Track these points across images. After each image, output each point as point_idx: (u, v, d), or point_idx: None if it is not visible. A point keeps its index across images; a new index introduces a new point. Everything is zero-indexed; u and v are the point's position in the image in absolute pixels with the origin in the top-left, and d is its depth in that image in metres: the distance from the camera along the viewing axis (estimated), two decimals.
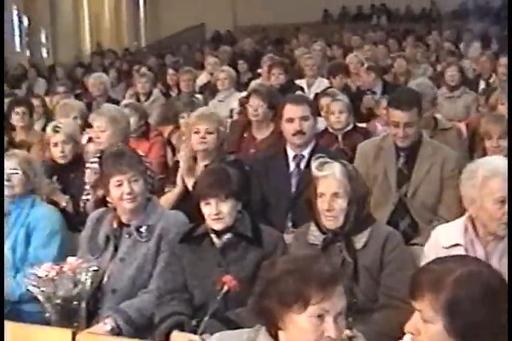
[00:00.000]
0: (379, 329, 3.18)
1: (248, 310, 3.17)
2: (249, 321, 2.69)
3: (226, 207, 3.47)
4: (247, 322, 2.93)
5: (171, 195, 4.67)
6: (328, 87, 8.09)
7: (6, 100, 7.78)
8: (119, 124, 5.12)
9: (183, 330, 3.34)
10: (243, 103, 7.09)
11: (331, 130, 6.01)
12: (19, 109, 6.67)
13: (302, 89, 8.34)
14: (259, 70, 10.44)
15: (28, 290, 3.51)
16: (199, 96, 8.42)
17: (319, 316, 2.21)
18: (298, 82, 8.79)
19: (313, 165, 3.50)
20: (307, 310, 2.20)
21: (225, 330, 2.99)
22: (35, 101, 7.60)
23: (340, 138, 5.94)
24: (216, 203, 3.46)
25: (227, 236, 3.51)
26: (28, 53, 21.15)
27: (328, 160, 3.49)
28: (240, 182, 3.58)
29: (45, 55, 21.75)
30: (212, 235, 3.54)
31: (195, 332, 3.29)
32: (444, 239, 3.33)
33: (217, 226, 3.48)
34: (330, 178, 3.38)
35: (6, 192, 4.22)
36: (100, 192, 4.40)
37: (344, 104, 6.06)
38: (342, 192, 3.36)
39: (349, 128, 6.02)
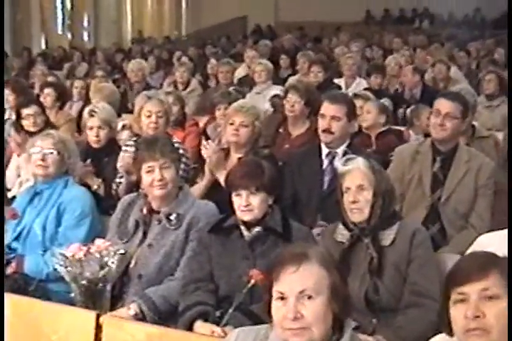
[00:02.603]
0: (404, 334, 3.15)
1: None
2: None
3: (256, 199, 3.46)
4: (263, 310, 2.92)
5: (198, 186, 4.67)
6: (367, 88, 8.06)
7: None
8: (171, 110, 5.20)
9: (206, 320, 3.33)
10: (275, 104, 7.09)
11: (364, 130, 6.00)
12: (46, 91, 6.97)
13: (340, 88, 8.31)
14: (298, 67, 10.42)
15: (55, 269, 3.54)
16: (231, 89, 8.42)
17: (281, 299, 2.28)
18: (336, 81, 8.77)
19: (339, 162, 3.58)
20: (272, 294, 2.30)
21: (248, 323, 3.06)
22: (77, 83, 7.79)
23: (373, 138, 5.92)
24: (246, 195, 3.45)
25: (257, 229, 3.49)
26: (69, 36, 21.30)
27: (352, 155, 3.56)
28: (273, 176, 3.56)
29: (85, 38, 21.89)
30: (242, 227, 3.52)
31: (218, 324, 3.29)
32: (492, 249, 3.27)
33: (246, 217, 3.47)
34: (354, 172, 3.42)
35: (40, 171, 4.25)
36: (133, 177, 4.41)
37: (378, 105, 6.06)
38: (367, 185, 3.39)
39: (383, 129, 6.01)
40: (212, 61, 10.28)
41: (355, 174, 3.41)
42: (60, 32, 20.94)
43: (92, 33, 21.88)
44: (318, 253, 2.35)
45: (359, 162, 3.44)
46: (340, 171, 3.48)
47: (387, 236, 3.38)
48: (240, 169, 3.63)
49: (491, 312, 2.19)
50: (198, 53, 13.81)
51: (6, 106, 7.12)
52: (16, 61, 13.46)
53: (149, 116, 4.98)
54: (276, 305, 2.29)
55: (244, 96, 7.29)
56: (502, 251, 3.06)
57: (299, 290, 2.25)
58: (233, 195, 3.50)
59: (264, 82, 8.34)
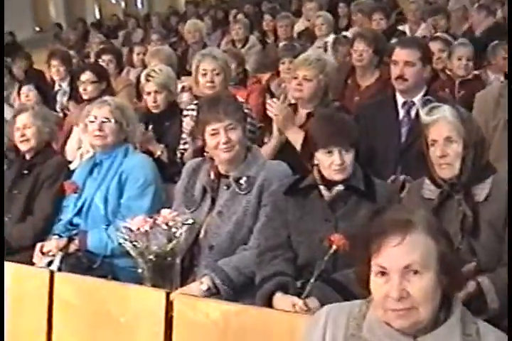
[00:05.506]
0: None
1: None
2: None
3: (349, 156, 3.22)
4: (356, 284, 2.65)
5: (267, 148, 4.39)
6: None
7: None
8: (229, 68, 4.95)
9: (286, 292, 3.06)
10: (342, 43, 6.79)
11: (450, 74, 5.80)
12: (105, 57, 6.87)
13: (405, 34, 8.00)
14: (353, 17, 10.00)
15: (120, 244, 3.31)
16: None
17: (382, 274, 1.97)
18: (401, 28, 8.45)
19: (422, 111, 3.20)
20: (371, 268, 1.99)
21: (332, 294, 2.86)
22: (137, 49, 8.02)
23: (457, 83, 5.68)
24: (339, 152, 3.20)
25: (338, 187, 3.22)
26: (122, 4, 21.33)
27: (437, 104, 3.20)
28: (357, 131, 3.34)
29: (139, 5, 21.87)
30: (322, 187, 3.25)
31: (299, 295, 3.01)
32: None
33: (339, 176, 3.21)
34: (441, 122, 3.07)
35: (98, 141, 4.05)
36: (199, 142, 4.15)
37: (470, 49, 5.83)
38: (455, 136, 3.05)
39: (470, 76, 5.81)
40: (267, 17, 9.94)
41: (441, 125, 3.07)
42: (113, 1, 20.95)
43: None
44: (424, 219, 2.02)
45: (445, 111, 3.09)
46: (424, 122, 3.13)
47: (481, 191, 3.05)
48: (327, 125, 3.32)
49: None
50: (253, 10, 13.48)
51: (56, 78, 7.05)
52: (71, 32, 13.37)
53: (205, 74, 4.77)
54: (376, 282, 1.99)
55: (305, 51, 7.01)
56: None
57: (404, 264, 1.94)
58: (320, 152, 3.23)
59: (325, 35, 8.09)
